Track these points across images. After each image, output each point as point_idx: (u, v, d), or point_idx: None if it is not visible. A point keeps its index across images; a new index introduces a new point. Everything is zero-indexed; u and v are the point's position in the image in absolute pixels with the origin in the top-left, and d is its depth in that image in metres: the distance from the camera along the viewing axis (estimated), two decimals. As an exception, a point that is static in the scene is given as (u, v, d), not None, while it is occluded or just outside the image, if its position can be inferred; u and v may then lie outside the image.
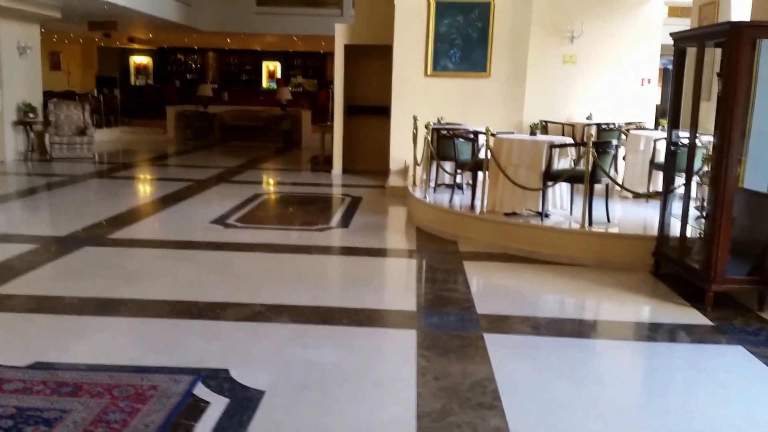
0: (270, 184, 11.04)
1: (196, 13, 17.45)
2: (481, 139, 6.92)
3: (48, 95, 14.68)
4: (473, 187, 7.07)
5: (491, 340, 3.98)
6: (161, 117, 17.82)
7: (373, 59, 11.32)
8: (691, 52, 5.16)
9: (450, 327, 4.22)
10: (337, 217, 7.91)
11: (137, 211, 8.07)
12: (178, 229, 7.31)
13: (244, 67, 25.17)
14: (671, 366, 3.84)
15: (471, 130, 7.69)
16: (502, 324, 4.31)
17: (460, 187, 7.74)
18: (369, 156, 11.55)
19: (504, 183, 6.41)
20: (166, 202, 8.77)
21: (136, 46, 23.87)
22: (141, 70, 25.37)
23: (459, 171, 7.53)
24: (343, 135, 11.29)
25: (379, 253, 6.35)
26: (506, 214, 6.45)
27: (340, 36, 11.05)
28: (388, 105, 10.36)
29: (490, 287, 5.36)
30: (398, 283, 5.54)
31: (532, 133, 6.64)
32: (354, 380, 3.44)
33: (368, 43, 10.98)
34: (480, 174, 6.88)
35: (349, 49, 11.10)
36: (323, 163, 12.34)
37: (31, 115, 12.54)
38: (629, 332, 4.47)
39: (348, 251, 6.44)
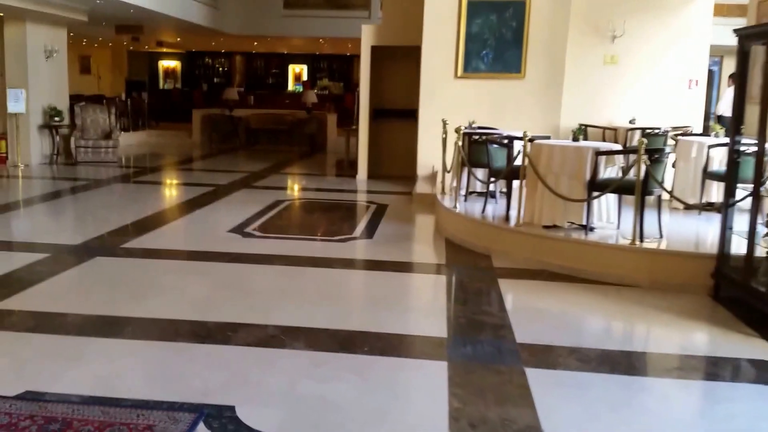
0: (293, 189, 10.68)
1: (222, 17, 17.24)
2: (517, 144, 6.42)
3: (78, 99, 14.58)
4: (508, 196, 6.55)
5: (534, 376, 3.48)
6: (188, 120, 17.69)
7: (400, 61, 10.93)
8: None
9: (486, 358, 3.73)
10: (361, 227, 7.48)
11: (155, 218, 7.73)
12: (194, 239, 6.97)
13: (270, 70, 24.98)
14: (742, 413, 3.26)
15: (506, 134, 7.18)
16: (546, 356, 3.80)
17: (493, 196, 7.23)
18: (395, 161, 11.15)
19: (543, 193, 5.89)
20: (185, 208, 8.47)
21: (164, 50, 23.82)
22: (169, 73, 25.36)
23: (492, 179, 7.02)
24: (369, 139, 10.90)
25: (406, 267, 5.88)
26: (546, 227, 5.93)
27: (367, 37, 10.66)
28: (416, 108, 9.93)
29: (529, 310, 4.83)
30: (426, 304, 5.05)
31: (575, 139, 6.11)
32: (376, 425, 2.98)
33: (396, 44, 10.59)
34: (516, 182, 6.38)
35: (375, 51, 10.72)
36: (348, 168, 11.95)
37: (56, 119, 12.39)
38: (691, 368, 3.87)
39: (372, 265, 6.00)
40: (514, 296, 5.05)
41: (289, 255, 6.03)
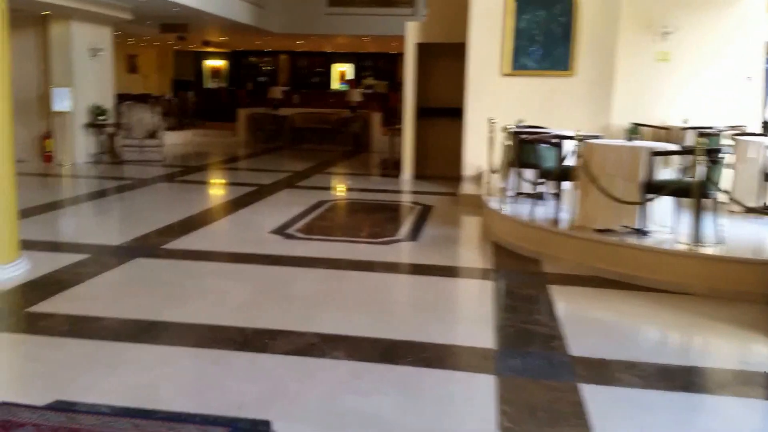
0: (336, 189, 10.57)
1: (267, 15, 17.28)
2: (568, 144, 6.14)
3: (125, 98, 14.78)
4: (558, 198, 6.27)
5: (590, 393, 3.24)
6: (233, 120, 17.78)
7: (445, 58, 10.71)
8: None
9: (537, 373, 3.51)
10: (405, 228, 7.29)
11: (197, 218, 7.70)
12: (235, 240, 6.89)
13: (314, 69, 25.03)
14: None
15: (556, 134, 6.90)
16: (602, 371, 3.55)
17: (542, 197, 6.96)
18: (441, 161, 10.92)
19: (596, 195, 5.61)
20: (228, 208, 8.44)
21: (210, 49, 24.08)
22: (215, 73, 25.65)
23: (541, 180, 6.74)
24: (414, 138, 10.73)
25: (451, 272, 5.67)
26: (598, 231, 5.65)
27: (412, 34, 10.49)
28: (462, 107, 9.69)
29: (582, 320, 4.56)
30: (472, 311, 4.83)
31: (629, 138, 5.80)
32: (419, 445, 2.81)
33: (441, 42, 10.39)
34: (566, 184, 6.10)
35: (420, 48, 10.54)
36: (393, 168, 11.77)
37: (102, 117, 12.54)
38: (755, 385, 3.57)
39: (416, 269, 5.80)
40: (566, 304, 4.79)
41: (331, 258, 5.90)
